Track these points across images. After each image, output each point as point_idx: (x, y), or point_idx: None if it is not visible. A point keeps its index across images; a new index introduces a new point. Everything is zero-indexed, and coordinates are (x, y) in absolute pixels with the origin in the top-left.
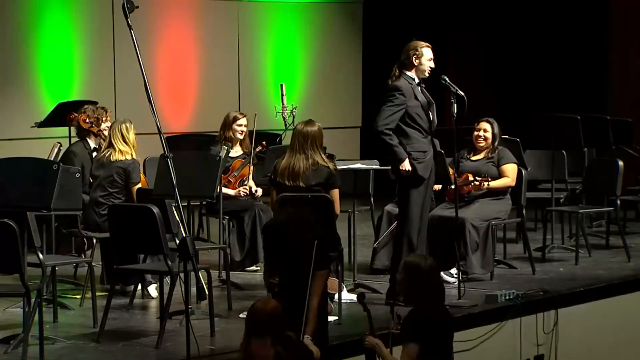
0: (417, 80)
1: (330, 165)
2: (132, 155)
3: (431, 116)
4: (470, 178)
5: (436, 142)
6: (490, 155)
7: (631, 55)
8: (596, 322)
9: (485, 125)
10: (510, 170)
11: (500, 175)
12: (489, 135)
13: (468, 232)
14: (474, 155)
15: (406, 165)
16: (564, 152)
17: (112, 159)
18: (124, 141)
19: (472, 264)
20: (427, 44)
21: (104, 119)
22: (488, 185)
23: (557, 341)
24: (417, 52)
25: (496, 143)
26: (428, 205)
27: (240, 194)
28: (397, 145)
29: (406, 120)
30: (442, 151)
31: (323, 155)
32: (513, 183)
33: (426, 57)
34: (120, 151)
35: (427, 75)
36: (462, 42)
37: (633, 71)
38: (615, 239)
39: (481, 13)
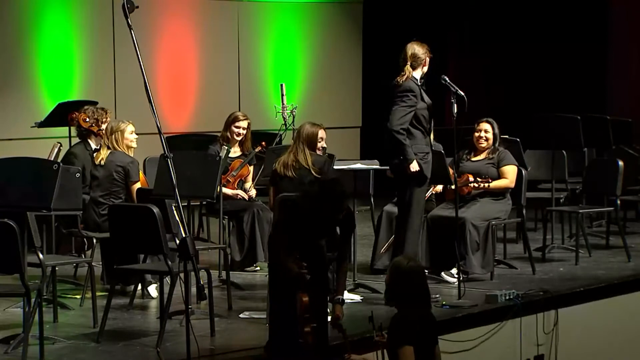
0: (420, 82)
1: (313, 170)
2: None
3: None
4: (470, 179)
5: (436, 144)
6: (490, 155)
7: (631, 55)
8: (596, 322)
9: (485, 125)
10: (510, 172)
11: (500, 176)
12: (490, 135)
13: (468, 232)
14: (474, 155)
15: (415, 166)
16: (564, 152)
17: (107, 159)
18: (116, 141)
19: (472, 263)
20: (425, 45)
21: (103, 119)
22: (488, 186)
23: (557, 341)
24: (428, 54)
25: (497, 143)
26: (424, 204)
27: (237, 196)
28: (409, 145)
29: (412, 121)
30: (442, 151)
31: (308, 158)
32: (512, 185)
33: (426, 58)
34: (114, 149)
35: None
36: (461, 41)
37: (633, 71)
38: (615, 239)
39: (480, 13)
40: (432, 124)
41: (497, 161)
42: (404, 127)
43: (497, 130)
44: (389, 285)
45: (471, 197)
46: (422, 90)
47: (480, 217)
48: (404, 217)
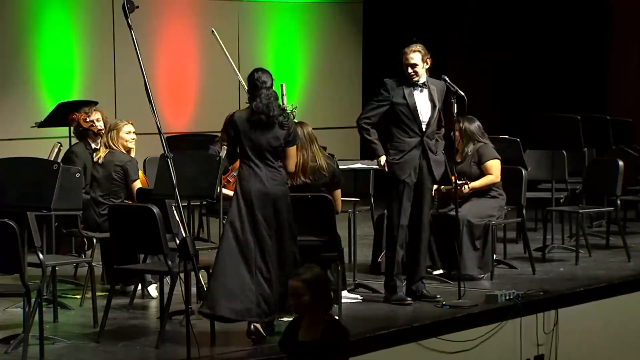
0: (412, 81)
1: (327, 173)
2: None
3: (422, 117)
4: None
5: (440, 144)
6: (469, 153)
7: (631, 55)
8: (596, 322)
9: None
10: (494, 166)
11: (483, 173)
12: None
13: (462, 231)
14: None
15: (381, 161)
16: (564, 152)
17: (106, 158)
18: (111, 139)
19: (467, 263)
20: (407, 49)
21: (90, 115)
22: (468, 188)
23: (557, 341)
24: (407, 54)
25: (472, 139)
26: (408, 207)
27: None
28: (373, 141)
29: (391, 117)
30: (443, 152)
31: (323, 162)
32: (497, 179)
33: (404, 62)
34: (111, 148)
35: (412, 78)
36: (462, 41)
37: (633, 71)
38: (615, 239)
39: (481, 13)
40: (427, 125)
41: (477, 158)
42: (370, 122)
43: (467, 125)
44: (319, 297)
45: (464, 197)
46: (408, 89)
47: (474, 215)
48: (386, 218)
